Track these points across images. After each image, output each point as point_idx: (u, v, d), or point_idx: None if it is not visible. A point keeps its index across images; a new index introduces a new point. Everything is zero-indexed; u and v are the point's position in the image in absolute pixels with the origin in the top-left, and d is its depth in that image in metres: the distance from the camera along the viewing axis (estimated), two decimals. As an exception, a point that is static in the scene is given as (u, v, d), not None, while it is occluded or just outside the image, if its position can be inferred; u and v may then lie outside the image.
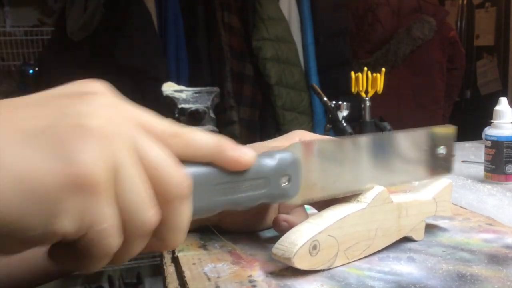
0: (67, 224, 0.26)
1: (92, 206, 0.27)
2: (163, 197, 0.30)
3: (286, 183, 0.41)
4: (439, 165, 0.54)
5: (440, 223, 0.58)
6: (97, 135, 0.27)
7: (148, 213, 0.29)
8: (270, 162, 0.40)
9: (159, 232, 0.31)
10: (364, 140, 0.48)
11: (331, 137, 0.50)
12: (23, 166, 0.25)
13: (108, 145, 0.27)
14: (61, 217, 0.26)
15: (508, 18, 2.95)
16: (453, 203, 0.65)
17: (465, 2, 3.18)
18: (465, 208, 0.64)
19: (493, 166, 0.93)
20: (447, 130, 0.54)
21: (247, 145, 0.56)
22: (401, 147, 0.51)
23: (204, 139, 0.34)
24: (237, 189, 0.37)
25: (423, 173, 0.53)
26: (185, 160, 0.33)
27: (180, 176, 0.30)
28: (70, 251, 0.28)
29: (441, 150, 0.53)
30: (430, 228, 0.56)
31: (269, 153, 0.41)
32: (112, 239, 0.28)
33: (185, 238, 0.53)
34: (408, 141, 0.51)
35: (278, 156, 0.41)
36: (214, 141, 0.35)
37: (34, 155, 0.26)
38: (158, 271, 2.50)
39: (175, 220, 0.31)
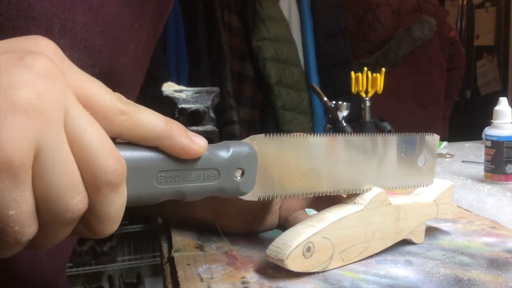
0: None
1: (1, 190, 0.24)
2: (92, 182, 0.27)
3: (239, 177, 0.39)
4: (418, 174, 0.51)
5: (443, 226, 0.57)
6: (23, 111, 0.24)
7: (71, 199, 0.26)
8: (223, 153, 0.37)
9: (86, 219, 0.28)
10: (336, 140, 0.46)
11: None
12: None
13: (33, 123, 0.25)
14: None
15: (508, 18, 2.95)
16: (458, 206, 0.65)
17: (465, 2, 3.18)
18: (469, 211, 0.63)
19: (493, 166, 0.93)
20: (431, 138, 0.51)
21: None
22: (377, 151, 0.48)
23: (152, 121, 0.31)
24: (183, 178, 0.35)
25: (398, 182, 0.50)
26: (130, 141, 0.31)
27: (113, 162, 0.27)
28: None
29: (422, 158, 0.51)
30: (431, 231, 0.55)
31: (224, 144, 0.38)
32: (21, 226, 0.25)
33: (183, 238, 0.53)
34: (385, 145, 0.49)
35: (232, 148, 0.38)
36: (164, 124, 0.32)
37: None
38: (158, 271, 2.50)
39: (104, 208, 0.28)
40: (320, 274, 0.44)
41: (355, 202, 0.47)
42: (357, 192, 0.47)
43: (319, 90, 1.42)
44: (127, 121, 0.30)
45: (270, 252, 0.43)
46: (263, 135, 0.41)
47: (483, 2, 3.10)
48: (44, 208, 0.26)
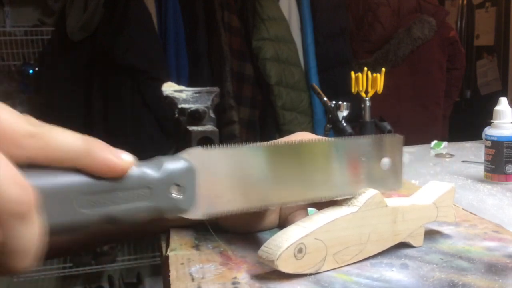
0: None
1: None
2: None
3: (177, 194, 0.36)
4: (382, 178, 0.48)
5: (445, 229, 0.56)
6: None
7: None
8: (153, 168, 0.35)
9: None
10: (286, 147, 0.43)
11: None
12: None
13: None
14: None
15: (508, 18, 2.95)
16: (463, 209, 0.64)
17: (465, 2, 3.18)
18: (474, 214, 0.63)
19: (493, 166, 0.93)
20: (393, 139, 0.49)
21: None
22: (332, 157, 0.46)
23: (66, 139, 0.29)
24: (110, 200, 0.32)
25: (359, 187, 0.47)
26: (46, 165, 0.29)
27: (16, 190, 0.25)
28: None
29: (386, 161, 0.49)
30: (432, 234, 0.54)
31: (156, 159, 0.36)
32: None
33: (180, 237, 0.53)
34: (341, 151, 0.46)
35: (166, 164, 0.35)
36: (81, 142, 0.29)
37: None
38: (158, 271, 2.50)
39: (12, 242, 0.26)
40: (312, 276, 0.44)
41: (349, 204, 0.46)
42: (312, 202, 0.46)
43: (319, 90, 1.42)
44: (38, 143, 0.28)
45: (261, 253, 0.43)
46: (199, 147, 0.38)
47: (483, 2, 3.10)
48: None
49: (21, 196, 0.25)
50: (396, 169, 0.50)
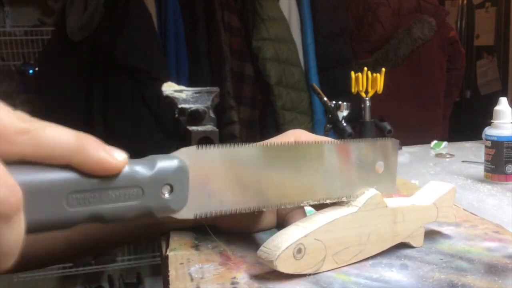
0: None
1: None
2: None
3: (169, 194, 0.35)
4: (376, 182, 0.48)
5: (445, 229, 0.56)
6: None
7: None
8: (146, 168, 0.34)
9: None
10: (281, 148, 0.43)
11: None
12: None
13: None
14: None
15: (508, 18, 2.95)
16: (463, 209, 0.64)
17: (465, 2, 3.18)
18: (475, 214, 0.63)
19: (493, 166, 0.93)
20: (387, 143, 0.49)
21: None
22: (327, 159, 0.45)
23: (59, 136, 0.28)
24: (99, 199, 0.31)
25: (354, 190, 0.47)
26: (37, 162, 0.28)
27: (4, 190, 0.24)
28: None
29: (380, 165, 0.48)
30: (432, 235, 0.54)
31: (149, 158, 0.35)
32: None
33: (180, 237, 0.53)
34: (336, 153, 0.46)
35: (158, 163, 0.35)
36: (74, 139, 0.29)
37: None
38: (158, 271, 2.50)
39: None
40: (312, 276, 0.44)
41: (349, 204, 0.46)
42: (304, 205, 0.45)
43: (319, 90, 1.42)
44: (30, 140, 0.27)
45: (261, 253, 0.43)
46: (194, 147, 0.38)
47: (483, 2, 3.10)
48: None
49: (8, 198, 0.25)
50: (391, 173, 0.49)
